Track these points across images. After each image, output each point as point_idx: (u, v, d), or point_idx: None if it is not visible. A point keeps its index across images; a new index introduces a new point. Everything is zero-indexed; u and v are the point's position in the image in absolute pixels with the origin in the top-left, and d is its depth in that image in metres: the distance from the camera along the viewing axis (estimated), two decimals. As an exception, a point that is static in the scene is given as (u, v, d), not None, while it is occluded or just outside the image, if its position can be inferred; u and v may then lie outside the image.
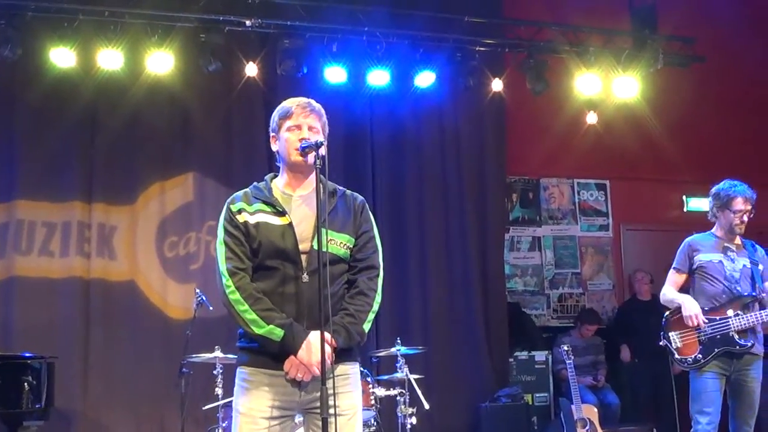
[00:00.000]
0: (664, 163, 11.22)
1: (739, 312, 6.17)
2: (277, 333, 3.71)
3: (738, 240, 6.41)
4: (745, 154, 11.25)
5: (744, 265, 6.30)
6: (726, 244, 6.36)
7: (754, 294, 6.23)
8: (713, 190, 6.48)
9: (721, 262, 6.29)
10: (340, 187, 4.07)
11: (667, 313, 6.41)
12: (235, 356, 4.02)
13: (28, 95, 8.76)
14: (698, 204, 11.18)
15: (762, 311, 6.17)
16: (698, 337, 6.16)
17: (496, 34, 9.76)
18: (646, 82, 10.02)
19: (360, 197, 4.09)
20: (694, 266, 6.37)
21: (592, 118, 10.40)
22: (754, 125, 11.68)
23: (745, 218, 6.32)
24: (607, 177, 11.60)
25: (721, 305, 6.22)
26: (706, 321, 6.14)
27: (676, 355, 6.26)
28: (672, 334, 6.28)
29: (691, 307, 6.19)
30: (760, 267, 6.33)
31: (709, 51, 10.16)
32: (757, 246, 6.46)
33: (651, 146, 10.95)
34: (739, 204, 6.29)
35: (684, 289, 6.49)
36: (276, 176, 4.09)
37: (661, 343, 6.36)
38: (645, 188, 11.55)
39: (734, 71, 11.38)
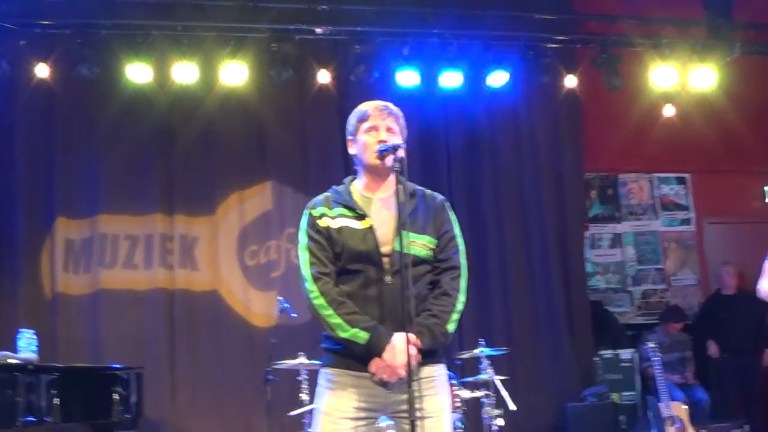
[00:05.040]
0: (745, 154, 10.98)
1: None
2: (362, 336, 3.71)
3: None
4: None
5: None
6: None
7: None
8: None
9: None
10: (420, 188, 4.03)
11: None
12: (320, 362, 4.00)
13: (106, 112, 8.94)
14: (782, 194, 10.93)
15: None
16: None
17: (567, 30, 9.69)
18: (723, 72, 9.79)
19: (441, 196, 4.06)
20: None
21: (669, 111, 10.27)
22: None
23: None
24: (686, 170, 11.40)
25: None
26: None
27: None
28: None
29: None
30: None
31: (788, 37, 9.94)
32: None
33: (731, 137, 10.72)
34: None
35: None
36: (355, 179, 4.08)
37: None
38: (726, 180, 11.29)
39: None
